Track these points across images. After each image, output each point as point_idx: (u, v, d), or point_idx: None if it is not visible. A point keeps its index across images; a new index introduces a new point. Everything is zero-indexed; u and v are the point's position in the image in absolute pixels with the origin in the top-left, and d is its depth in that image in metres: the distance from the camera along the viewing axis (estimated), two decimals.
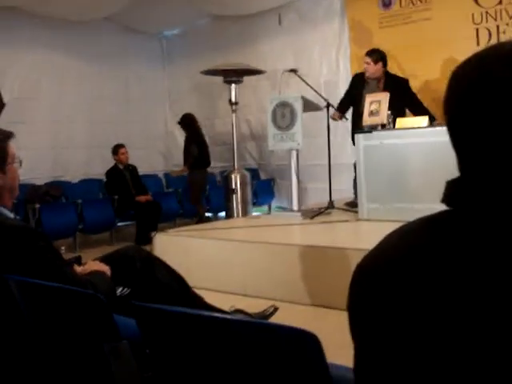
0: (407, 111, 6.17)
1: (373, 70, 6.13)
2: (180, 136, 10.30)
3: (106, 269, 2.41)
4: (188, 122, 8.46)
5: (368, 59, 6.13)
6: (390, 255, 0.80)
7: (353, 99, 6.28)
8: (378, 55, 6.14)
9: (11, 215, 2.21)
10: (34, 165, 7.59)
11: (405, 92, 6.10)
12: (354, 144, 5.74)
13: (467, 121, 0.77)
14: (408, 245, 0.79)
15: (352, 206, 6.12)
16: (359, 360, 0.82)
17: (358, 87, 6.26)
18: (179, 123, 8.58)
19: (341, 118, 6.24)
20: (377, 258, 0.82)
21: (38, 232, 2.16)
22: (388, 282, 0.77)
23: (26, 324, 1.88)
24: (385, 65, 6.18)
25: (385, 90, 5.95)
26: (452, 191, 0.80)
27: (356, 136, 5.57)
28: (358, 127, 5.74)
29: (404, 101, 5.95)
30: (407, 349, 0.73)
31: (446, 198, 0.80)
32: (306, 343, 1.10)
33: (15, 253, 1.99)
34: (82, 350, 1.81)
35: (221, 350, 1.28)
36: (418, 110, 5.93)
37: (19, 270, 1.94)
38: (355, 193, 6.38)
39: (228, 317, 1.68)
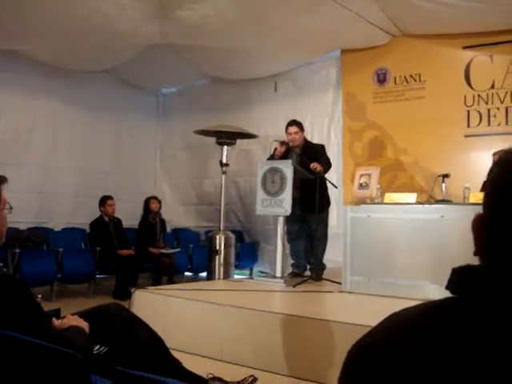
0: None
1: (300, 138, 6.40)
2: (168, 191, 10.35)
3: (84, 325, 2.35)
4: None
5: (296, 129, 6.37)
6: (395, 339, 0.78)
7: None
8: (301, 124, 6.51)
9: None
10: (18, 208, 7.46)
11: (320, 155, 6.28)
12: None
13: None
14: (414, 331, 0.77)
15: (294, 275, 6.28)
16: None
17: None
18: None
19: None
20: (380, 340, 0.81)
21: (19, 282, 2.11)
22: (391, 367, 0.75)
23: None
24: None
25: (304, 154, 6.20)
26: (469, 281, 0.78)
27: (344, 208, 5.61)
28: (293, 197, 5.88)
29: (318, 162, 6.02)
30: None
31: (457, 286, 0.79)
32: None
33: None
34: None
35: None
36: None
37: None
38: (297, 262, 6.48)
39: None
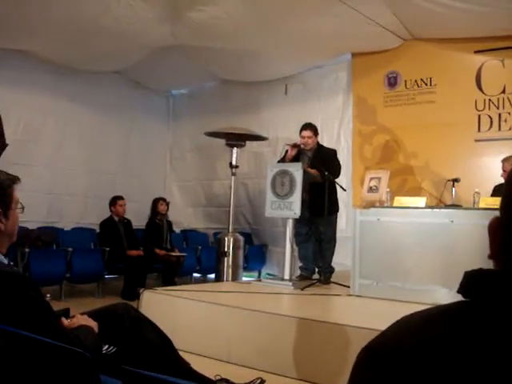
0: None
1: (313, 142, 6.33)
2: (177, 193, 10.37)
3: (93, 325, 2.36)
4: None
5: (310, 133, 6.28)
6: (404, 343, 0.78)
7: None
8: (316, 128, 6.41)
9: (5, 261, 2.17)
10: (28, 208, 7.45)
11: (331, 160, 6.24)
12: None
13: None
14: (423, 335, 0.77)
15: (303, 278, 6.25)
16: None
17: None
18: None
19: None
20: (389, 343, 0.80)
21: (29, 281, 2.12)
22: (400, 371, 0.75)
23: (5, 375, 1.82)
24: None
25: (315, 158, 6.17)
26: (481, 285, 0.78)
27: (353, 211, 5.61)
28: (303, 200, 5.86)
29: (328, 167, 5.99)
30: None
31: (468, 290, 0.79)
32: None
33: (4, 300, 1.95)
34: None
35: None
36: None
37: (6, 318, 1.90)
38: (306, 265, 6.46)
39: None
